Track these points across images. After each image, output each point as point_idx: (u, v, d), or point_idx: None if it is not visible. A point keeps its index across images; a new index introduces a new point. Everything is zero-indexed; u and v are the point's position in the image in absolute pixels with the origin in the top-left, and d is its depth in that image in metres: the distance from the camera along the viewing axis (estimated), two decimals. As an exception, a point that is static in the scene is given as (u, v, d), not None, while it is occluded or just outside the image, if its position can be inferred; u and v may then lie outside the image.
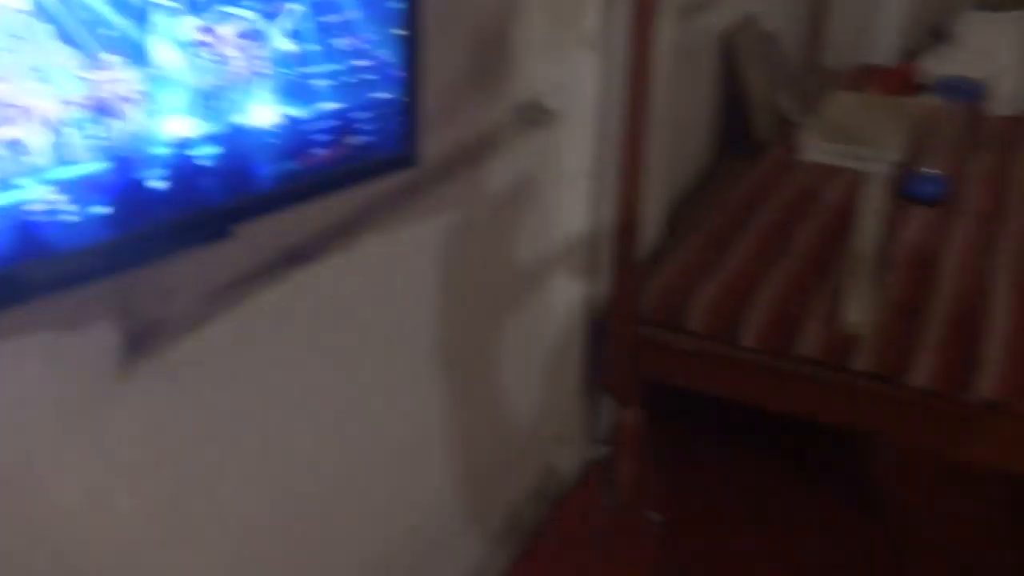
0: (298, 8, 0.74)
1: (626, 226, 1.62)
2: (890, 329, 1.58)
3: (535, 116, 1.58)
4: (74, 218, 0.62)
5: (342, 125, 0.82)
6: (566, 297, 1.76)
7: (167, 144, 0.67)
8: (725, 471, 1.95)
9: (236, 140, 0.73)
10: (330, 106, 0.80)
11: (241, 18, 0.70)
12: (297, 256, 1.02)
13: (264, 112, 0.74)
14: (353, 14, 0.80)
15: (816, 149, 2.36)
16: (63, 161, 0.60)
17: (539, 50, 1.51)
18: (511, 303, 1.61)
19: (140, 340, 0.84)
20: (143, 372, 0.85)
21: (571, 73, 1.59)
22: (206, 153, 0.71)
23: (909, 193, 2.12)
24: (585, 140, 1.65)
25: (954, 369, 1.48)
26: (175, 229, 0.71)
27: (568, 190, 1.68)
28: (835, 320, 1.60)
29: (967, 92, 2.74)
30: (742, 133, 2.48)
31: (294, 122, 0.77)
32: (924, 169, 2.15)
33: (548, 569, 1.69)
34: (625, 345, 1.70)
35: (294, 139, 0.78)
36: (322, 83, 0.79)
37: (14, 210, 0.58)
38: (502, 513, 1.73)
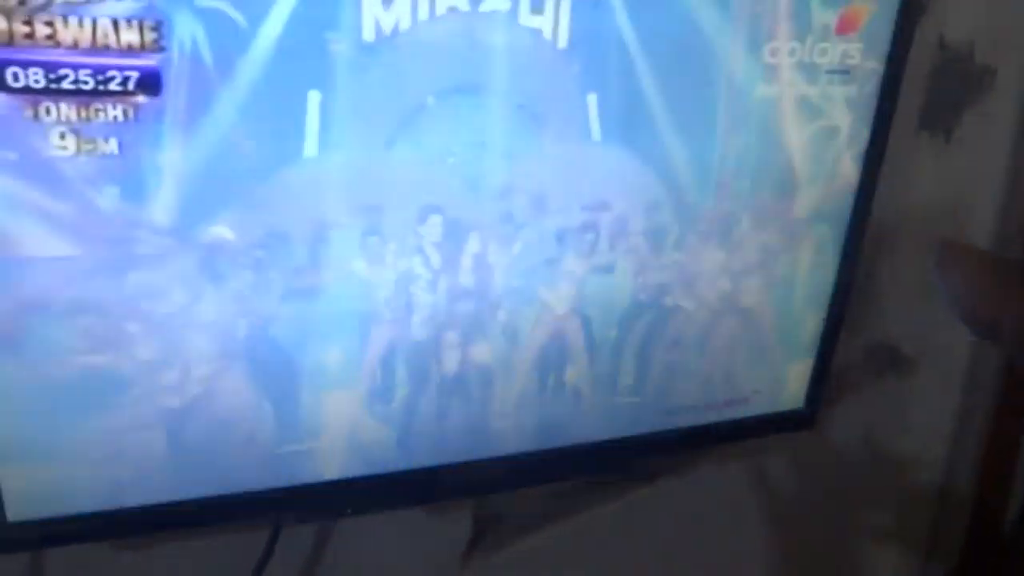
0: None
1: (994, 487, 1.36)
2: None
3: (886, 362, 1.47)
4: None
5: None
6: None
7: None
8: None
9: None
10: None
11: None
12: (636, 474, 1.00)
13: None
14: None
15: None
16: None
17: (904, 290, 1.42)
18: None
19: (484, 532, 0.86)
20: (479, 564, 0.85)
21: (931, 321, 1.46)
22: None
23: None
24: (946, 394, 1.47)
25: None
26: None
27: (918, 448, 1.49)
28: None
29: None
30: None
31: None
32: None
33: None
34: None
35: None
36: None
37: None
38: None
